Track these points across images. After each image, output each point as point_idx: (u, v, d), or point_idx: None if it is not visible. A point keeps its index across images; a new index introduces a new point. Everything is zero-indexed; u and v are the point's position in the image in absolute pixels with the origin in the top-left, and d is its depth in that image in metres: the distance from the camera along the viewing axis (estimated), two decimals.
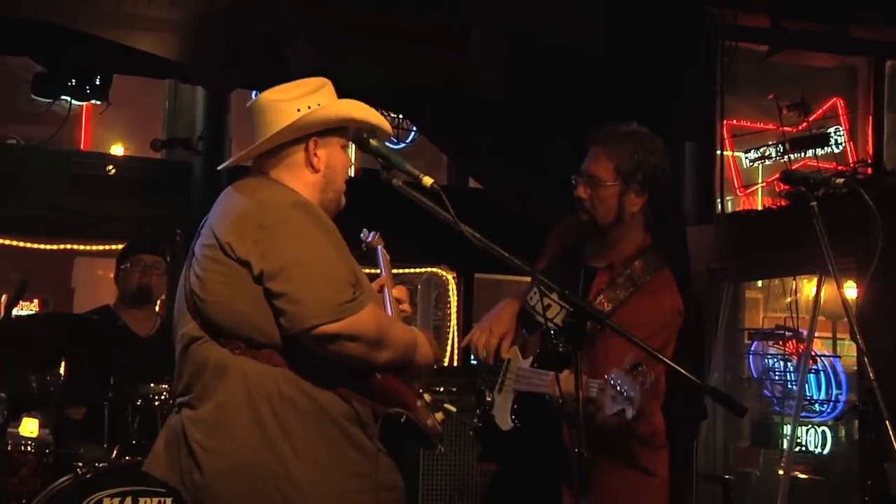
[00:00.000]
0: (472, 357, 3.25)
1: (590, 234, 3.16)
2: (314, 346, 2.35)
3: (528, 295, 3.21)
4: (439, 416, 2.54)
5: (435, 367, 2.67)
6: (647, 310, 2.98)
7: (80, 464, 4.03)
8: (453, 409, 2.61)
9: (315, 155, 2.54)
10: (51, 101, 6.44)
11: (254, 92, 8.15)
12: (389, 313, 2.64)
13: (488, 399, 3.12)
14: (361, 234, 2.88)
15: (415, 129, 8.27)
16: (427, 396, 2.54)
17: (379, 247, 2.85)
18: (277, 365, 2.38)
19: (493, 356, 3.14)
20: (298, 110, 2.49)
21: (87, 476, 3.97)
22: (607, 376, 2.63)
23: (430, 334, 2.66)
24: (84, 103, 7.10)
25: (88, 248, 7.79)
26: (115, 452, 4.10)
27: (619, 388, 2.58)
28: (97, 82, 6.23)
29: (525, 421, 3.03)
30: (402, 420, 2.43)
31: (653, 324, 2.92)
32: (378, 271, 2.81)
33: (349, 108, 2.58)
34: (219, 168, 2.69)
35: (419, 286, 11.30)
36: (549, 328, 2.93)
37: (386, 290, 2.71)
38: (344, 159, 2.61)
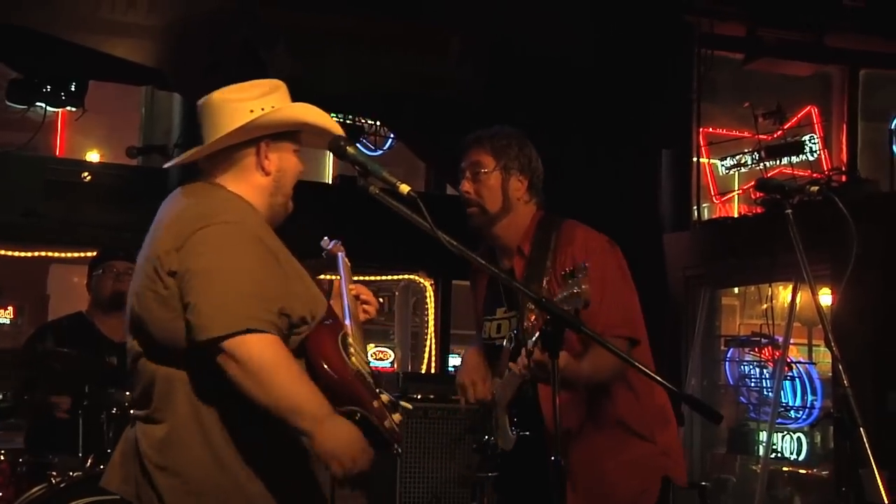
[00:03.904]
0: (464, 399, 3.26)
1: (484, 234, 3.20)
2: (210, 361, 2.23)
3: (482, 331, 3.31)
4: (397, 416, 2.44)
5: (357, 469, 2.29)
6: (570, 261, 3.01)
7: (55, 472, 3.99)
8: (409, 406, 2.54)
9: (266, 158, 2.48)
10: (26, 107, 6.40)
11: None
12: (347, 316, 2.58)
13: (492, 441, 3.10)
14: (322, 242, 2.85)
15: (392, 136, 8.27)
16: (384, 397, 2.45)
17: (339, 254, 2.81)
18: (223, 379, 2.26)
19: (481, 401, 3.17)
20: (251, 111, 2.43)
21: (62, 485, 3.93)
22: (555, 299, 2.57)
23: (360, 440, 2.29)
24: (59, 110, 7.06)
25: (64, 255, 7.74)
26: (89, 461, 4.07)
27: (563, 294, 2.52)
28: (73, 89, 6.19)
29: (527, 427, 3.03)
30: (357, 418, 2.34)
31: (590, 270, 2.99)
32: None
33: (303, 111, 2.52)
34: (165, 166, 2.65)
35: (397, 293, 11.29)
36: (509, 342, 3.03)
37: (344, 292, 2.66)
38: (295, 163, 2.55)
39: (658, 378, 2.45)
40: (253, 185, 2.48)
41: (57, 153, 8.66)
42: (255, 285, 2.27)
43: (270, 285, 2.30)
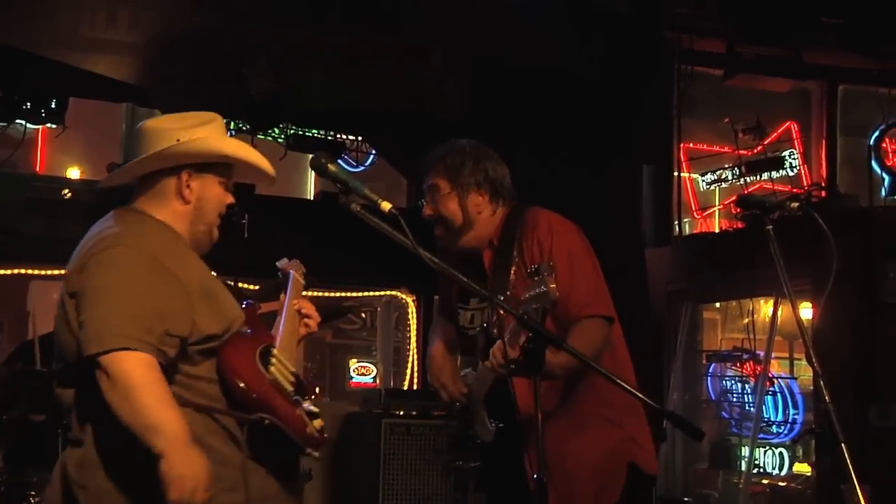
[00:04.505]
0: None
1: (454, 251, 3.23)
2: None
3: (459, 319, 3.34)
4: (318, 423, 2.50)
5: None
6: (536, 246, 3.09)
7: (33, 492, 3.96)
8: (317, 409, 2.57)
9: (187, 186, 2.53)
10: (5, 124, 6.38)
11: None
12: (280, 329, 2.65)
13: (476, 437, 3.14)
14: (279, 263, 2.93)
15: (374, 152, 8.27)
16: (306, 405, 2.50)
17: (291, 272, 2.88)
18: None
19: (460, 397, 3.21)
20: (178, 140, 2.49)
21: None
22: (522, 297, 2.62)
23: (207, 478, 2.28)
24: (40, 127, 7.04)
25: (44, 272, 7.69)
26: None
27: (529, 294, 2.56)
28: (53, 106, 6.18)
29: (503, 419, 3.06)
30: (266, 424, 2.40)
31: (556, 251, 3.04)
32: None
33: (225, 144, 2.58)
34: (95, 188, 2.71)
35: (379, 309, 11.26)
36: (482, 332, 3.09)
37: (284, 306, 2.73)
38: (219, 194, 2.59)
39: (641, 395, 2.45)
40: (172, 211, 2.55)
41: (37, 170, 8.62)
42: (140, 306, 2.33)
43: (159, 306, 2.35)
